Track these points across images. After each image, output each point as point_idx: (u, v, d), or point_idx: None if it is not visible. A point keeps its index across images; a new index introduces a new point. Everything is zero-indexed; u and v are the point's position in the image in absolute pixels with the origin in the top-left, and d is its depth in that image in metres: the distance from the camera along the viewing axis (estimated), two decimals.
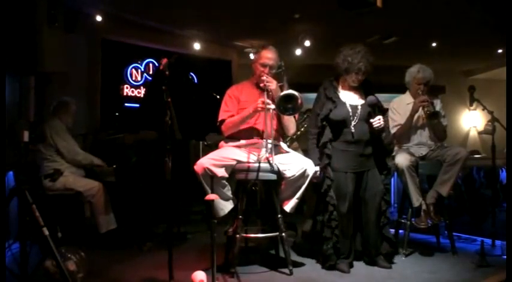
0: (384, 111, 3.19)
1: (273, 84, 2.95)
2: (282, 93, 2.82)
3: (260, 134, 2.99)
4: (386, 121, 3.29)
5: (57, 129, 3.80)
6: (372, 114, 3.01)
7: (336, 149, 3.05)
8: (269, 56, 3.05)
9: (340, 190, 3.00)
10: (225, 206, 2.88)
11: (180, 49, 5.84)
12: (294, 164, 2.88)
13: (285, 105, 2.81)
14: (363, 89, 3.16)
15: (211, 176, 2.75)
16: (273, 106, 2.84)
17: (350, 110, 3.03)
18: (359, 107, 3.06)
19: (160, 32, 5.72)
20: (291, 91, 2.81)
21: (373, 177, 3.07)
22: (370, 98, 3.04)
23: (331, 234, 2.97)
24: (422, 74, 3.49)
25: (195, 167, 2.81)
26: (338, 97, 3.09)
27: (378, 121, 2.96)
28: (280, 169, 2.87)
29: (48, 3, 4.22)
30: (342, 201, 2.99)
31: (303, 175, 2.86)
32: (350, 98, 3.11)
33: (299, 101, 2.80)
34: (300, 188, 2.89)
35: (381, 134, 3.09)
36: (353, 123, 3.02)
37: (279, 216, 2.91)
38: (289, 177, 2.86)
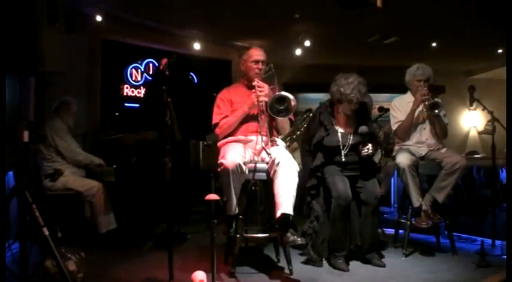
0: (375, 139, 3.31)
1: (265, 89, 2.94)
2: (274, 95, 2.83)
3: (256, 131, 2.98)
4: (378, 142, 3.52)
5: (57, 130, 3.81)
6: (362, 143, 3.13)
7: (328, 167, 3.19)
8: (258, 52, 3.08)
9: (337, 186, 3.03)
10: (236, 205, 2.83)
11: (180, 49, 5.84)
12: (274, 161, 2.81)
13: (278, 107, 2.82)
14: (357, 115, 3.26)
15: (239, 173, 2.74)
16: (266, 98, 2.86)
17: (341, 139, 3.16)
18: (350, 137, 3.18)
19: (160, 32, 5.72)
20: (283, 93, 2.82)
21: (367, 179, 3.16)
22: (362, 128, 3.16)
23: (310, 240, 3.14)
24: (421, 70, 3.52)
25: (225, 162, 2.72)
26: (331, 124, 3.22)
27: (366, 151, 3.09)
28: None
29: (48, 3, 4.22)
30: (342, 199, 3.01)
31: (284, 178, 2.75)
32: (342, 126, 3.24)
33: (292, 103, 2.81)
34: (288, 188, 2.75)
35: (370, 157, 3.21)
36: (343, 152, 3.16)
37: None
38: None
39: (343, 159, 3.15)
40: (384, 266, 3.06)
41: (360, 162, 3.18)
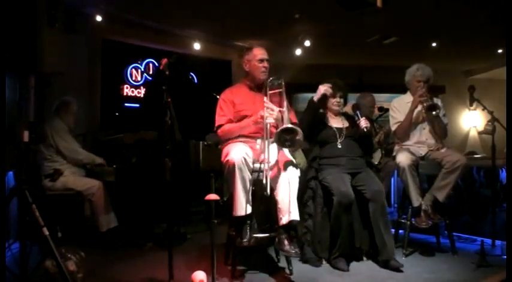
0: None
1: (274, 112, 2.82)
2: (280, 128, 2.72)
3: (258, 132, 2.95)
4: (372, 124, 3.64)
5: (57, 130, 3.81)
6: (357, 118, 3.29)
7: (326, 160, 3.25)
8: (262, 51, 3.09)
9: (338, 184, 3.03)
10: (246, 205, 2.75)
11: (180, 49, 5.84)
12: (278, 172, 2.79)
13: (284, 136, 2.74)
14: (345, 118, 3.47)
15: (245, 167, 2.73)
16: (272, 120, 2.80)
17: (336, 131, 3.33)
18: (344, 129, 3.35)
19: (160, 32, 5.72)
20: (290, 125, 2.74)
21: (369, 177, 3.17)
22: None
23: (306, 240, 3.17)
24: (421, 71, 3.52)
25: (230, 158, 2.71)
26: (325, 122, 3.39)
27: (364, 120, 3.23)
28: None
29: (48, 3, 4.22)
30: (343, 196, 3.00)
31: (287, 185, 2.75)
32: (336, 123, 3.41)
33: (297, 136, 2.72)
34: (292, 194, 2.74)
35: (370, 134, 3.35)
36: (339, 140, 3.29)
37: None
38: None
39: (339, 146, 3.26)
40: (402, 266, 2.96)
41: (359, 140, 3.30)
